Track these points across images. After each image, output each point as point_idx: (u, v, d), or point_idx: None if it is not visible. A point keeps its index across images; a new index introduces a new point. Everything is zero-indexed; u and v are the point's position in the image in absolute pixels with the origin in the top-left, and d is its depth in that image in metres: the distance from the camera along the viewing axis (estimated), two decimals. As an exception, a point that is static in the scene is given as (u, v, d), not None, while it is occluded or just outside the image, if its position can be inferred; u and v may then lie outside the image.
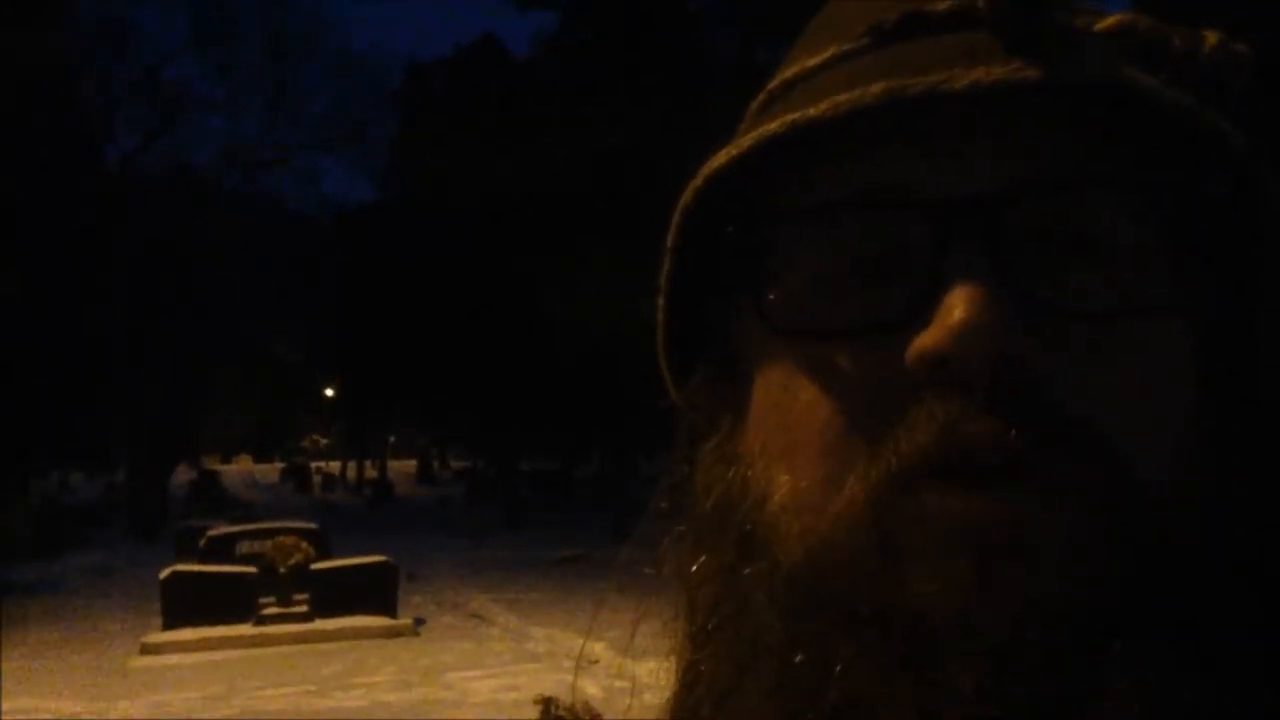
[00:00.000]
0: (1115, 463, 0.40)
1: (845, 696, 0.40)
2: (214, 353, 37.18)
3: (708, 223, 0.48)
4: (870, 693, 0.40)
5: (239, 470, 70.71)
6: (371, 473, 54.89)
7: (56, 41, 24.28)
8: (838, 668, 0.40)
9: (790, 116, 0.43)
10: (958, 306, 0.39)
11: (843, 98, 0.42)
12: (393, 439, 63.40)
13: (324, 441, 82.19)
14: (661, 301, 0.52)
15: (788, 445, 0.45)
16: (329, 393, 57.34)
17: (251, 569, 13.99)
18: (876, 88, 0.42)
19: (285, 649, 12.46)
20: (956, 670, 0.38)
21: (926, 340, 0.40)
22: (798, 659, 0.42)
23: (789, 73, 0.49)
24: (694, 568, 0.49)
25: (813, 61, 0.48)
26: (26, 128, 23.85)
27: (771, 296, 0.45)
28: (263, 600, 13.62)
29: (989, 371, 0.39)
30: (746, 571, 0.45)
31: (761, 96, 0.51)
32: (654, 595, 0.52)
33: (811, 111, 0.43)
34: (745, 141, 0.45)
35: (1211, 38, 0.45)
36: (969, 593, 0.38)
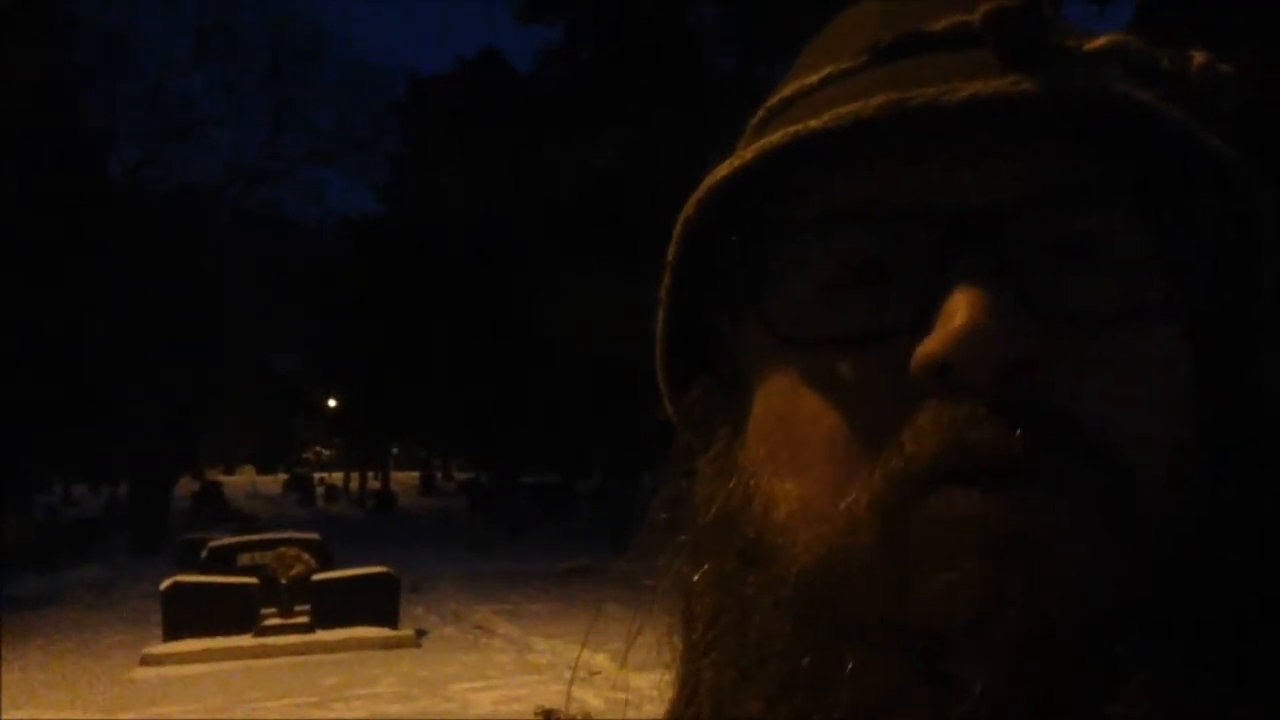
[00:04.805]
0: (1119, 464, 0.40)
1: (854, 701, 0.40)
2: (217, 365, 37.16)
3: (708, 236, 0.48)
4: (880, 697, 0.40)
5: (242, 481, 70.76)
6: (374, 484, 54.82)
7: (56, 58, 24.32)
8: (846, 672, 0.40)
9: (792, 129, 0.44)
10: (960, 311, 0.40)
11: (844, 110, 0.43)
12: (395, 451, 63.40)
13: (326, 453, 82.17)
14: (661, 315, 0.52)
15: (793, 454, 0.45)
16: (332, 403, 57.35)
17: (253, 580, 13.95)
18: (877, 100, 0.42)
19: (286, 660, 12.42)
20: (966, 672, 0.38)
21: (931, 345, 0.40)
22: (804, 662, 0.42)
23: (788, 90, 0.50)
24: (695, 577, 0.49)
25: (811, 79, 0.48)
26: (28, 139, 23.89)
27: (774, 306, 0.45)
28: (264, 611, 13.58)
29: (993, 375, 0.40)
30: (750, 579, 0.45)
31: (760, 113, 0.52)
32: (653, 607, 0.52)
33: (813, 123, 0.43)
34: (747, 153, 0.45)
35: (1198, 58, 0.46)
36: (978, 593, 0.38)
